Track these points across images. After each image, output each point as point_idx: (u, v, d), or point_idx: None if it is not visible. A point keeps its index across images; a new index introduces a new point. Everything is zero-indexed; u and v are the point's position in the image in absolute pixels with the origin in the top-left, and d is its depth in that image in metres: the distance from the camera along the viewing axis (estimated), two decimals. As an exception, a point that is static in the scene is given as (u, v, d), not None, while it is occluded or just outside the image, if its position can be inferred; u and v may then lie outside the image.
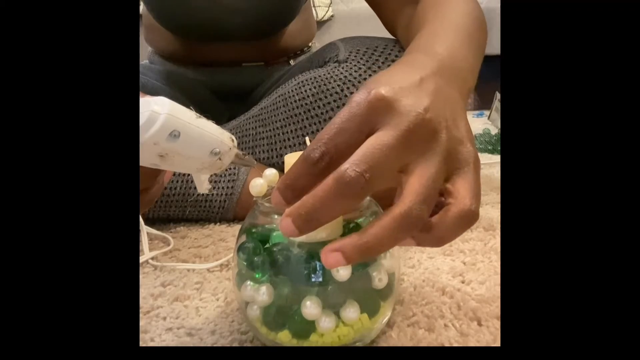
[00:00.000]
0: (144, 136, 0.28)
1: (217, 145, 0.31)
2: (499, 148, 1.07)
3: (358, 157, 0.25)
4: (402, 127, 0.26)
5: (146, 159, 0.29)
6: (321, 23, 2.13)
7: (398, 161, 0.26)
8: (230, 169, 0.61)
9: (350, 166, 0.25)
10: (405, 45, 0.58)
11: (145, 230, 0.55)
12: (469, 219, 0.26)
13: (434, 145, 0.27)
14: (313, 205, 0.25)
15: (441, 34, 0.40)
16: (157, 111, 0.28)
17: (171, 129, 0.28)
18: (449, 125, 0.28)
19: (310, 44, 0.93)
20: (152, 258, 0.51)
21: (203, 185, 0.34)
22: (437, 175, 0.26)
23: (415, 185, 0.26)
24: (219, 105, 0.86)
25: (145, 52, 0.92)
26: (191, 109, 0.30)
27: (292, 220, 0.25)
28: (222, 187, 0.60)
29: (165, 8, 0.75)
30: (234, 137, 0.32)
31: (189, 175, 0.59)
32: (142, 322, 0.38)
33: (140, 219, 0.55)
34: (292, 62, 0.88)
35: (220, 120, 0.85)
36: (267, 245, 0.33)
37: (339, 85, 0.58)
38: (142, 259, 0.50)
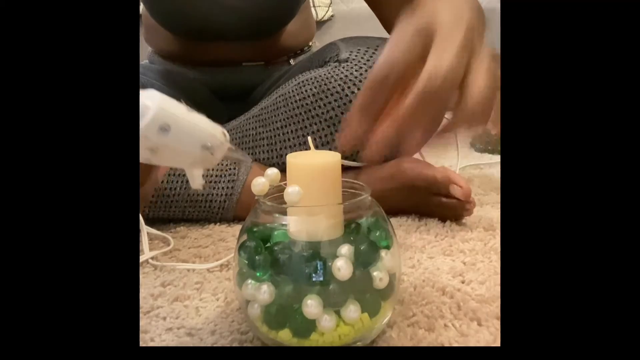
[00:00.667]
0: None
1: (209, 140, 0.30)
2: (499, 148, 1.07)
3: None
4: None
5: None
6: (321, 23, 2.13)
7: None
8: (229, 169, 0.61)
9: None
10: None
11: (145, 230, 0.55)
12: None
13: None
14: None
15: None
16: (147, 104, 0.28)
17: (161, 122, 0.28)
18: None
19: (310, 44, 0.93)
20: (152, 258, 0.51)
21: (196, 181, 0.34)
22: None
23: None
24: (219, 105, 0.86)
25: (145, 53, 0.92)
26: (182, 102, 0.30)
27: None
28: (222, 187, 0.60)
29: (164, 7, 0.75)
30: (226, 132, 0.32)
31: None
32: (142, 322, 0.38)
33: (141, 219, 0.55)
34: (292, 61, 0.88)
35: (220, 121, 0.85)
36: (269, 244, 0.33)
37: (339, 85, 0.58)
38: (142, 258, 0.50)
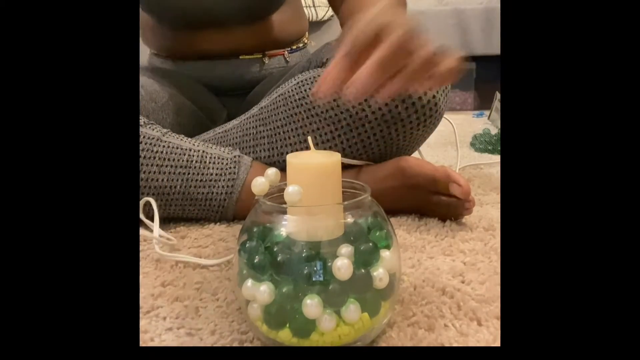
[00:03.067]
0: None
1: None
2: (499, 148, 1.07)
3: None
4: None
5: None
6: (321, 23, 2.13)
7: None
8: (229, 167, 0.61)
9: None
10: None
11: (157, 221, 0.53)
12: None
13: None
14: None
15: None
16: None
17: None
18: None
19: (305, 40, 0.93)
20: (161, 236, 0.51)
21: None
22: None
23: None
24: (217, 103, 0.86)
25: (144, 55, 0.92)
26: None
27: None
28: (222, 186, 0.60)
29: None
30: None
31: (188, 174, 0.60)
32: (142, 322, 0.38)
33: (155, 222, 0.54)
34: (288, 58, 0.88)
35: (218, 119, 0.85)
36: (269, 244, 0.33)
37: (338, 85, 0.58)
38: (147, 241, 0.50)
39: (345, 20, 0.69)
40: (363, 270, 0.32)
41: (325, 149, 0.61)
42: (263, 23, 0.83)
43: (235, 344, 0.35)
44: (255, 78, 0.86)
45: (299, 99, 0.62)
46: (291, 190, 0.31)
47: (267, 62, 0.86)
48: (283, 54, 0.88)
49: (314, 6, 2.01)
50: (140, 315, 0.39)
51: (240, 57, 0.84)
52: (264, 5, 0.81)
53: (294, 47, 0.90)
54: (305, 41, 0.94)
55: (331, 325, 0.31)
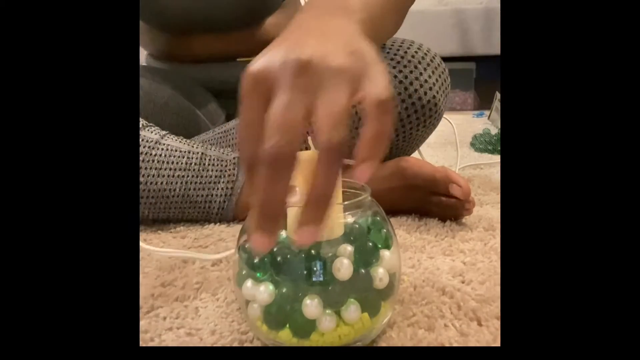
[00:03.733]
0: None
1: None
2: (499, 148, 1.07)
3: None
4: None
5: None
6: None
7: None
8: (229, 169, 0.61)
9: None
10: None
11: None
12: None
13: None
14: (262, 203, 0.25)
15: None
16: None
17: None
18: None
19: None
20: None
21: None
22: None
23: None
24: (216, 104, 0.86)
25: (142, 55, 0.93)
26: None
27: (256, 229, 0.25)
28: (222, 188, 0.60)
29: (149, 3, 0.75)
30: None
31: (187, 177, 0.60)
32: (142, 322, 0.38)
33: None
34: None
35: (217, 119, 0.85)
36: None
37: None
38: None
39: None
40: (363, 270, 0.32)
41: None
42: (259, 26, 0.83)
43: (235, 344, 0.35)
44: None
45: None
46: None
47: None
48: None
49: (313, 7, 2.02)
50: (140, 315, 0.39)
51: (237, 59, 0.85)
52: (260, 9, 0.81)
53: None
54: None
55: (331, 326, 0.31)
